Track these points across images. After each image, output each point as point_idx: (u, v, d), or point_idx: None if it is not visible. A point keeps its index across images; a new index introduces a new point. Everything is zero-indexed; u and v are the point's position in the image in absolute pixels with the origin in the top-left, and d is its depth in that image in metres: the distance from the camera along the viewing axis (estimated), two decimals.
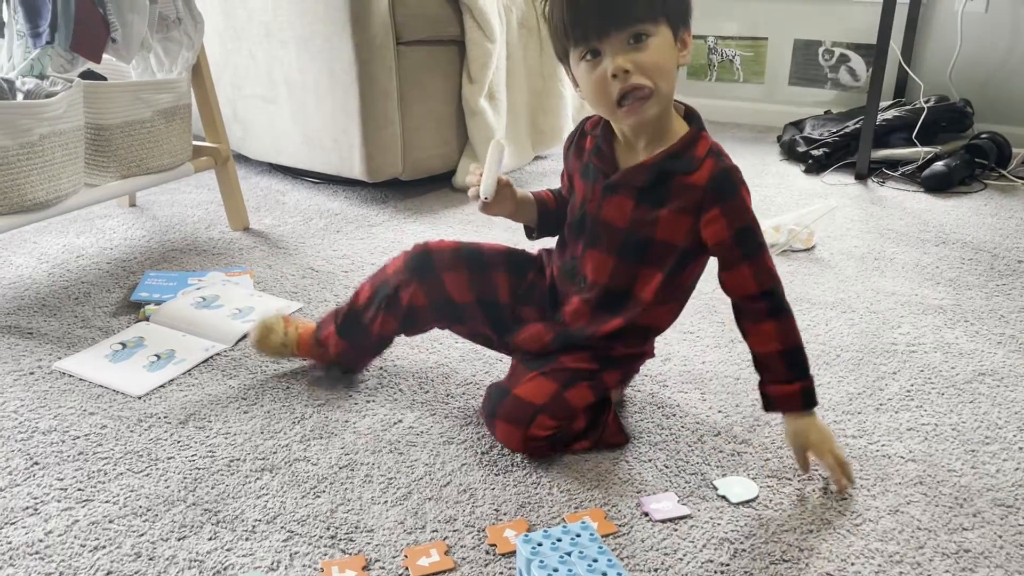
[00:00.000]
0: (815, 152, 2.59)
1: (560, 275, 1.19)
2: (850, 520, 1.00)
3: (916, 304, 1.61)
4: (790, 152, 2.72)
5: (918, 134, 2.53)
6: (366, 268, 1.76)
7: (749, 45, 3.23)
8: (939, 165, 2.37)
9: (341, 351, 1.27)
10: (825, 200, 2.20)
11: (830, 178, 2.48)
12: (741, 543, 0.96)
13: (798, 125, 2.87)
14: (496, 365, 1.36)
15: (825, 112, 3.00)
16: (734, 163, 1.08)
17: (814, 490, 1.06)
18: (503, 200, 1.16)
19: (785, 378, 1.06)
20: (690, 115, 1.11)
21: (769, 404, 1.08)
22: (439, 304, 1.21)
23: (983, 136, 2.49)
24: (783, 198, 2.29)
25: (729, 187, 1.05)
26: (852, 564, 0.93)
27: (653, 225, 1.08)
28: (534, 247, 1.28)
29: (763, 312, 1.06)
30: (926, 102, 2.64)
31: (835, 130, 2.67)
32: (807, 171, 2.56)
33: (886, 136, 2.59)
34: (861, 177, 2.46)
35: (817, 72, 3.14)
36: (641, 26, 0.98)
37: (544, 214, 1.24)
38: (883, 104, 2.74)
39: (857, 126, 2.58)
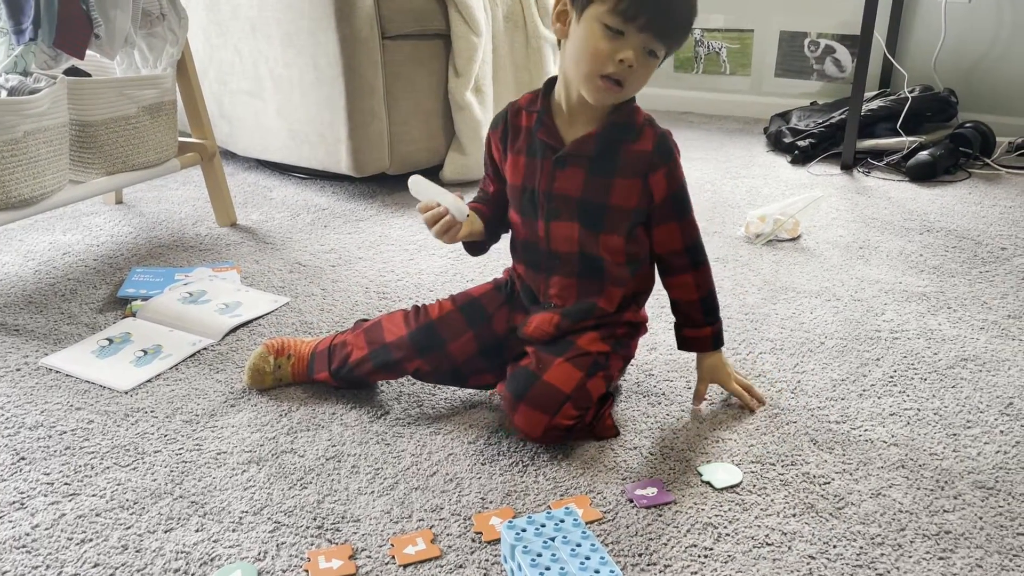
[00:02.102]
0: (801, 143, 2.60)
1: (527, 286, 1.21)
2: (832, 504, 1.01)
3: (900, 292, 1.62)
4: (776, 143, 2.73)
5: (903, 124, 2.55)
6: (354, 262, 1.77)
7: (735, 37, 3.23)
8: (924, 154, 2.39)
9: (338, 387, 1.26)
10: (811, 190, 2.21)
11: (816, 168, 2.50)
12: (725, 527, 0.97)
13: (784, 116, 2.88)
14: None
15: (811, 103, 3.01)
16: (664, 128, 1.15)
17: (797, 475, 1.07)
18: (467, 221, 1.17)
19: (701, 322, 1.20)
20: None
21: (685, 344, 1.22)
22: (445, 372, 1.22)
23: (967, 125, 2.51)
24: (769, 189, 2.30)
25: (669, 151, 1.13)
26: (834, 547, 0.94)
27: (607, 192, 1.12)
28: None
29: (686, 266, 1.18)
30: (911, 92, 2.65)
31: (821, 121, 2.68)
32: (793, 162, 2.58)
33: (871, 126, 2.60)
34: (847, 167, 2.47)
35: (803, 64, 3.15)
36: (664, 46, 1.05)
37: (488, 223, 1.24)
38: (868, 94, 2.75)
39: (843, 116, 2.59)
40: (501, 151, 1.19)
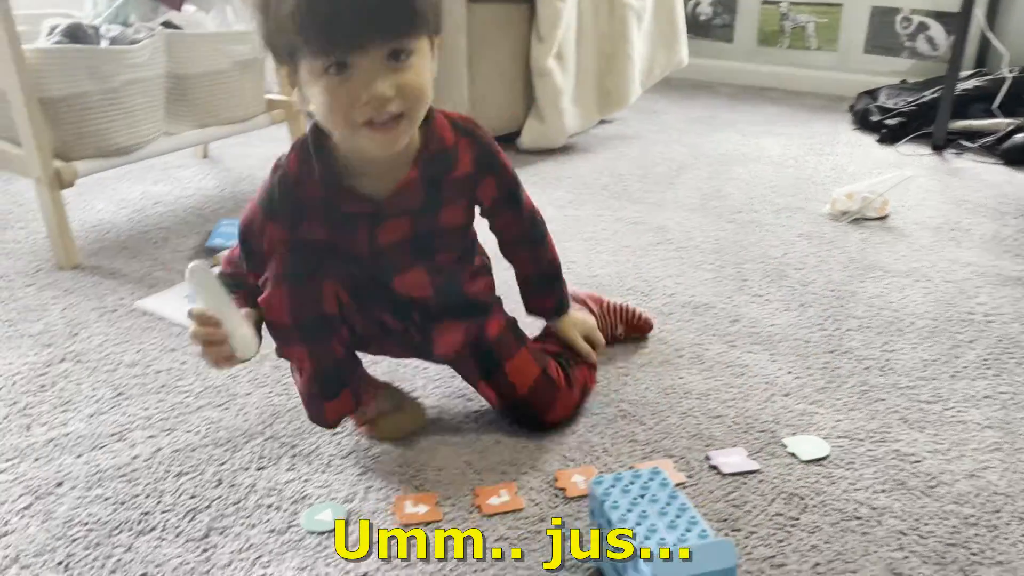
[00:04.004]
0: (890, 122, 2.52)
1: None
2: (924, 482, 0.99)
3: (994, 275, 1.56)
4: (863, 121, 2.65)
5: (1000, 105, 2.44)
6: None
7: (824, 11, 3.14)
8: (1020, 137, 2.29)
9: (355, 400, 1.04)
10: (900, 170, 2.14)
11: (905, 148, 2.42)
12: (811, 499, 0.96)
13: (872, 94, 2.79)
14: None
15: (901, 81, 2.91)
16: (478, 126, 1.01)
17: (887, 452, 1.04)
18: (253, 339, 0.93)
19: (542, 292, 1.16)
20: None
21: (531, 311, 1.18)
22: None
23: None
24: (855, 167, 2.24)
25: (491, 157, 1.02)
26: (926, 524, 0.92)
27: (435, 222, 1.00)
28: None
29: (525, 245, 1.12)
30: (1010, 72, 2.54)
31: (911, 100, 2.59)
32: (881, 141, 2.50)
33: (965, 107, 2.50)
34: (937, 148, 2.39)
35: (894, 40, 3.04)
36: (405, 41, 0.84)
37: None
38: (963, 74, 2.65)
39: (934, 96, 2.50)
40: (287, 235, 0.95)
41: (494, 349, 1.08)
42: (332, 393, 1.00)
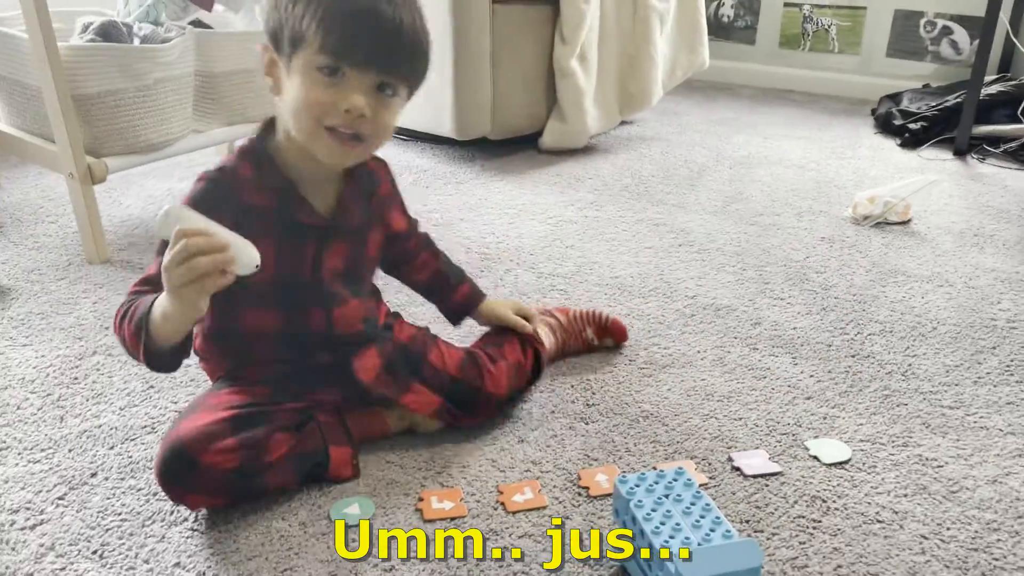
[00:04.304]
0: (912, 126, 2.51)
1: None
2: (946, 487, 0.99)
3: (1017, 281, 1.56)
4: (885, 125, 2.64)
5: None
6: (455, 223, 1.79)
7: (847, 14, 3.13)
8: None
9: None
10: (922, 174, 2.14)
11: (927, 153, 2.41)
12: (834, 502, 0.97)
13: (895, 98, 2.79)
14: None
15: (924, 86, 2.90)
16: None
17: (909, 456, 1.05)
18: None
19: (459, 282, 1.19)
20: None
21: (460, 311, 1.20)
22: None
23: None
24: (877, 171, 2.24)
25: (396, 185, 1.10)
26: (948, 529, 0.92)
27: (363, 253, 1.04)
28: None
29: (428, 249, 1.17)
30: None
31: (934, 104, 2.59)
32: (903, 145, 2.49)
33: (988, 112, 2.49)
34: (960, 152, 2.38)
35: (917, 44, 3.03)
36: (397, 79, 0.89)
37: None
38: (987, 79, 2.63)
39: (958, 100, 2.49)
40: None
41: (412, 346, 1.09)
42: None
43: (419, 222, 1.18)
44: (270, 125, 0.97)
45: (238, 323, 0.97)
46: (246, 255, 0.81)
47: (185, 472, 0.88)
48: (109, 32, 1.57)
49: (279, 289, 0.96)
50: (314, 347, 1.01)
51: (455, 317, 1.21)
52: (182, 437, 0.89)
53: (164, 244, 0.83)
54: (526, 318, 1.20)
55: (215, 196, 0.91)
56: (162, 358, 0.87)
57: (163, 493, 0.90)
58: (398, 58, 0.88)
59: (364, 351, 1.04)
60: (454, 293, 1.19)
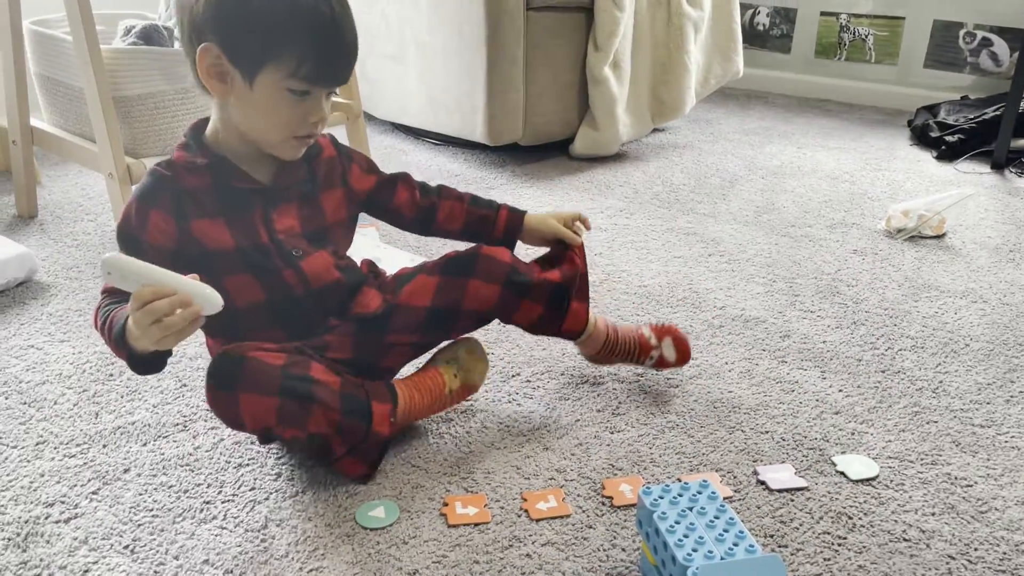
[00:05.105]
0: (949, 138, 2.48)
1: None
2: (975, 507, 0.98)
3: None
4: (922, 137, 2.61)
5: None
6: None
7: (884, 24, 3.10)
8: None
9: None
10: (958, 188, 2.11)
11: (964, 166, 2.38)
12: (860, 519, 0.96)
13: (932, 110, 2.75)
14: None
15: (962, 97, 2.86)
16: None
17: (938, 475, 1.04)
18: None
19: (494, 215, 1.17)
20: None
21: (508, 238, 1.17)
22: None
23: None
24: (912, 183, 2.21)
25: (344, 148, 1.12)
26: (975, 549, 0.91)
27: (321, 214, 1.06)
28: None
29: (435, 203, 1.17)
30: None
31: (972, 116, 2.55)
32: (939, 158, 2.46)
33: None
34: (998, 166, 2.35)
35: (956, 55, 2.99)
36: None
37: None
38: None
39: (996, 113, 2.45)
40: (175, 227, 0.96)
41: (459, 258, 1.08)
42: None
43: (410, 176, 1.17)
44: (200, 122, 1.02)
45: (229, 303, 0.90)
46: (205, 297, 0.81)
47: (233, 369, 0.91)
48: (151, 35, 1.60)
49: (246, 258, 0.99)
50: (312, 316, 1.04)
51: (506, 245, 1.15)
52: (230, 348, 0.93)
53: None
54: (571, 228, 1.17)
55: (155, 188, 0.96)
56: (145, 362, 0.88)
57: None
58: (351, 68, 0.99)
59: (361, 293, 1.07)
60: (494, 226, 1.17)
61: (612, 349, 1.19)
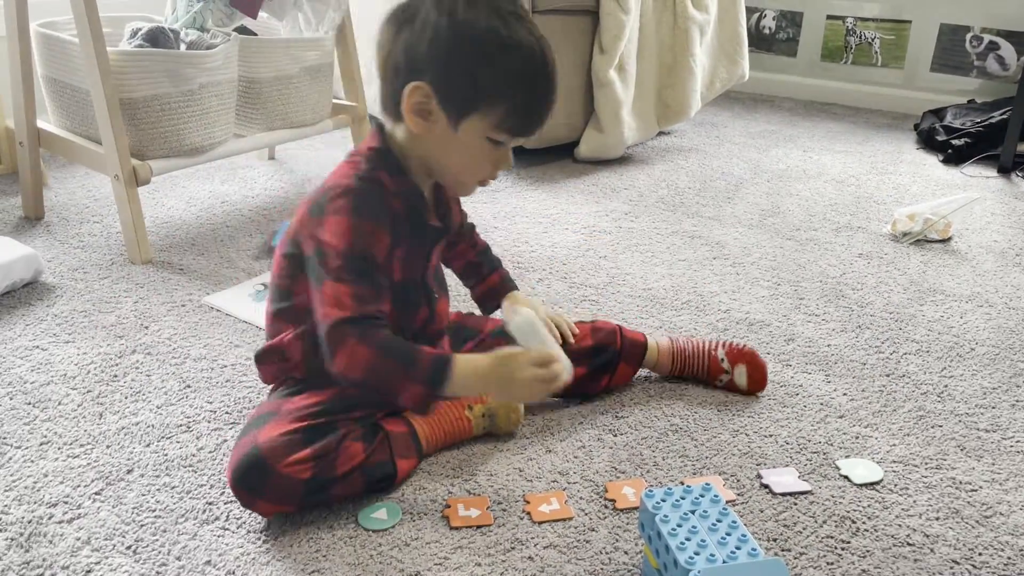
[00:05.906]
0: (956, 142, 2.47)
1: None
2: (980, 512, 0.98)
3: None
4: (928, 141, 2.60)
5: None
6: (489, 231, 1.80)
7: (891, 28, 3.09)
8: None
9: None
10: (964, 192, 2.11)
11: (970, 170, 2.37)
12: (863, 523, 0.96)
13: (938, 113, 2.75)
14: None
15: (968, 101, 2.85)
16: None
17: (942, 479, 1.03)
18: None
19: (487, 272, 1.21)
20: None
21: (487, 299, 1.21)
22: None
23: None
24: (918, 187, 2.21)
25: None
26: (980, 555, 0.91)
27: (439, 255, 1.11)
28: None
29: (459, 242, 1.20)
30: None
31: (979, 120, 2.54)
32: (946, 161, 2.45)
33: None
34: (1004, 170, 2.34)
35: (962, 59, 2.98)
36: None
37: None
38: None
39: (1003, 117, 2.45)
40: (387, 246, 0.97)
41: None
42: None
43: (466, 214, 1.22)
44: (382, 133, 1.01)
45: None
46: (568, 368, 0.95)
47: (260, 480, 0.91)
48: (157, 38, 1.60)
49: (401, 292, 1.01)
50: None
51: (483, 304, 1.23)
52: (259, 446, 0.91)
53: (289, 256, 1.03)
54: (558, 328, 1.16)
55: (372, 204, 0.96)
56: (430, 403, 0.95)
57: (231, 495, 0.94)
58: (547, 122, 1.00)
59: (438, 344, 1.10)
60: (483, 282, 1.22)
61: (681, 369, 1.23)
